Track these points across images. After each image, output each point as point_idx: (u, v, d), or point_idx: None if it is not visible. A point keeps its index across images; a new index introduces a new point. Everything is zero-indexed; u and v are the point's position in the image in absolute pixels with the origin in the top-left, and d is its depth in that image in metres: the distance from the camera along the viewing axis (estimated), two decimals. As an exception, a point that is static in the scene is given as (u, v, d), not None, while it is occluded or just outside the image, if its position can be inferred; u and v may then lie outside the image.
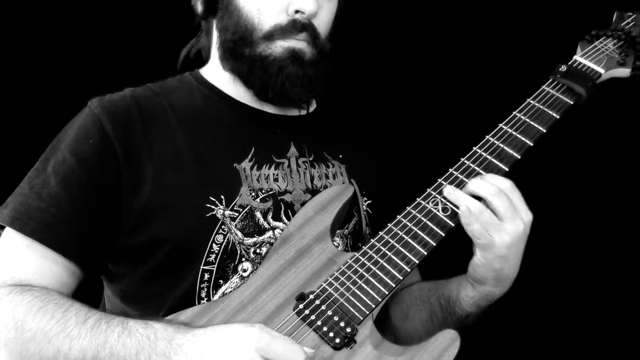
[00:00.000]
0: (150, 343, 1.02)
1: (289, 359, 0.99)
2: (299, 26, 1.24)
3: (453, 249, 1.18)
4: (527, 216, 1.15)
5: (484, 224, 1.12)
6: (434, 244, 1.16)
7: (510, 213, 1.13)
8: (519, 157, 1.22)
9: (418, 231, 1.17)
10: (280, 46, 1.25)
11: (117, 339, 1.04)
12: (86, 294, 1.26)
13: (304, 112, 1.39)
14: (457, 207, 1.15)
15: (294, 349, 1.01)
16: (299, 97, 1.27)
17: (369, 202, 1.37)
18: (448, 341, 1.10)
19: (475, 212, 1.12)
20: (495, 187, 1.14)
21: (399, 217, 1.20)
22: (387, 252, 1.16)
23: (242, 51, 1.26)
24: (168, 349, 1.01)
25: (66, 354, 1.05)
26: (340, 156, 1.39)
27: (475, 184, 1.16)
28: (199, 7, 1.30)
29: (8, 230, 1.19)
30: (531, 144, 1.23)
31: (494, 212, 1.13)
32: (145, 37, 1.87)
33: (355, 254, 1.18)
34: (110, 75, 1.74)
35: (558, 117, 1.27)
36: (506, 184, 1.15)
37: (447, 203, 1.19)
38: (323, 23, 1.30)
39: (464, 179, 1.21)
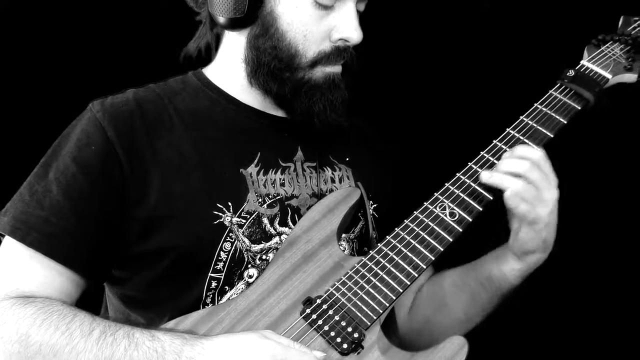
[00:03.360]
0: (158, 356, 1.01)
1: None
2: (342, 54, 1.25)
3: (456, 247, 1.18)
4: (555, 180, 1.18)
5: (531, 200, 1.15)
6: (442, 249, 1.16)
7: (546, 183, 1.16)
8: None
9: (425, 236, 1.17)
10: (321, 71, 1.25)
11: (124, 352, 1.02)
12: (87, 296, 1.25)
13: None
14: (499, 190, 1.17)
15: (307, 356, 1.01)
16: (336, 121, 1.28)
17: (375, 205, 1.36)
18: (456, 347, 1.09)
19: (521, 191, 1.14)
20: (529, 161, 1.16)
21: (406, 221, 1.19)
22: (394, 256, 1.16)
23: (282, 75, 1.25)
24: None
25: None
26: (347, 159, 1.38)
27: (508, 164, 1.17)
28: (222, 19, 1.24)
29: (9, 239, 1.17)
30: None
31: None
32: (144, 35, 1.86)
33: (363, 258, 1.17)
34: (110, 74, 1.73)
35: (565, 122, 1.26)
36: (537, 154, 1.18)
37: (455, 208, 1.19)
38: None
39: (471, 183, 1.21)
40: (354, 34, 1.24)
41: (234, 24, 1.25)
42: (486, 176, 1.18)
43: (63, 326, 1.06)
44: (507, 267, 1.23)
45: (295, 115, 1.29)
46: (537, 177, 1.15)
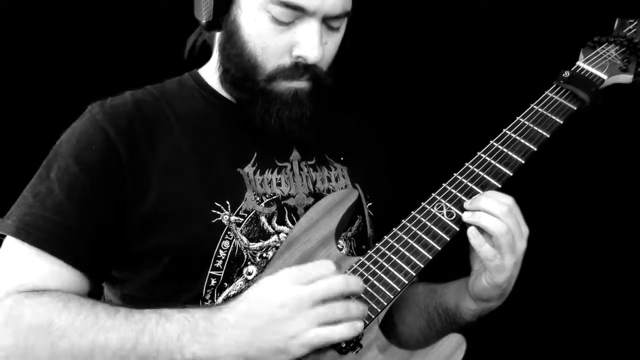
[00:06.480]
0: (190, 324, 1.03)
1: (322, 270, 1.05)
2: (302, 69, 1.23)
3: (450, 248, 1.19)
4: (526, 231, 1.17)
5: (506, 247, 1.12)
6: (440, 249, 1.16)
7: (519, 232, 1.14)
8: (523, 162, 1.23)
9: (423, 235, 1.17)
10: (283, 86, 1.23)
11: (156, 324, 1.04)
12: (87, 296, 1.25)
13: None
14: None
15: (320, 263, 1.06)
16: (295, 134, 1.26)
17: (371, 204, 1.37)
18: (454, 345, 1.10)
19: (500, 237, 1.12)
20: (506, 206, 1.13)
21: (404, 221, 1.20)
22: (392, 256, 1.16)
23: (244, 85, 1.25)
24: (210, 326, 1.03)
25: (103, 347, 1.04)
26: (342, 158, 1.39)
27: (488, 204, 1.14)
28: (203, 21, 1.26)
29: (11, 239, 1.17)
30: (535, 149, 1.24)
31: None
32: (142, 37, 1.86)
33: (361, 258, 1.18)
34: (109, 77, 1.74)
35: (562, 122, 1.27)
36: (509, 201, 1.15)
37: (452, 207, 1.19)
38: (326, 58, 1.27)
39: (469, 183, 1.21)
40: (310, 53, 1.20)
41: (209, 27, 1.27)
42: (467, 216, 1.16)
43: (85, 310, 1.07)
44: (464, 305, 1.22)
45: (256, 124, 1.27)
46: (513, 224, 1.14)
